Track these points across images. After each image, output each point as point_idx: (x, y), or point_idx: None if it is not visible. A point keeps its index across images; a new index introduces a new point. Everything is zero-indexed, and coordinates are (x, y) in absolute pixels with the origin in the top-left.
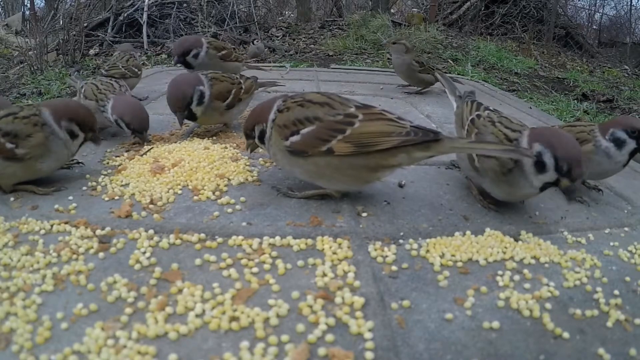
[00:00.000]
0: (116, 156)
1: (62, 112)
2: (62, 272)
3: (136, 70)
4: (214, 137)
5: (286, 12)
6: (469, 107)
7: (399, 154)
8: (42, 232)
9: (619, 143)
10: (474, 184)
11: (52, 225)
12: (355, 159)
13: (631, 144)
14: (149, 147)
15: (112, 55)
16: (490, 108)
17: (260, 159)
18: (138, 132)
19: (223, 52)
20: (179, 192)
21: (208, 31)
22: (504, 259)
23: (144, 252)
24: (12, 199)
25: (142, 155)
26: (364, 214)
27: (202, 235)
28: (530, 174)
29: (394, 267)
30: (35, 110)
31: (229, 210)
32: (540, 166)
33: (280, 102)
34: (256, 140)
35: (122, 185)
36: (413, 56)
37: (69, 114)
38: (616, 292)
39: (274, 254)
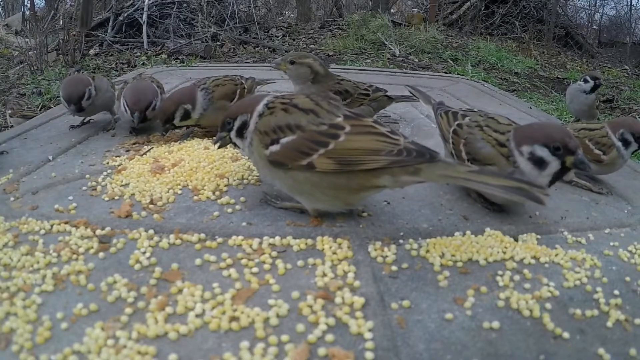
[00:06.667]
0: (116, 156)
1: None
2: (62, 272)
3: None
4: (214, 137)
5: (286, 12)
6: (445, 119)
7: (384, 175)
8: (42, 232)
9: (626, 143)
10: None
11: (52, 225)
12: (336, 178)
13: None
14: (149, 147)
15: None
16: (473, 110)
17: None
18: (131, 112)
19: None
20: (179, 192)
21: (208, 31)
22: (504, 259)
23: (144, 252)
24: (12, 198)
25: (142, 155)
26: (364, 214)
27: (202, 235)
28: (534, 175)
29: (394, 267)
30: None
31: (229, 210)
32: (539, 163)
33: (270, 97)
34: (232, 133)
35: (122, 185)
36: (327, 86)
37: None
38: (616, 292)
39: (274, 254)
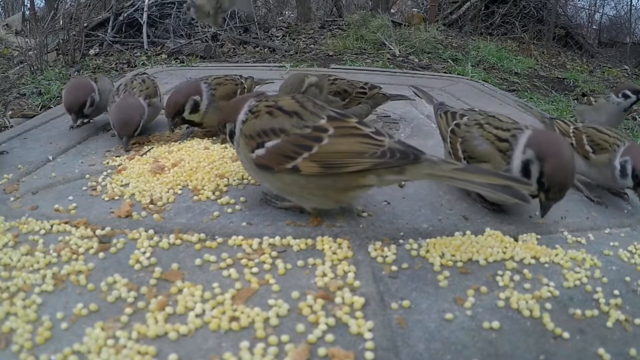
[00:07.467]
0: (116, 156)
1: None
2: (62, 272)
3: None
4: (214, 137)
5: (286, 12)
6: (444, 120)
7: (369, 175)
8: (42, 232)
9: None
10: None
11: (52, 225)
12: (322, 179)
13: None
14: (149, 147)
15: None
16: (474, 110)
17: None
18: (119, 136)
19: None
20: (179, 192)
21: (208, 31)
22: (504, 259)
23: (144, 252)
24: (12, 198)
25: (142, 155)
26: (364, 214)
27: (202, 235)
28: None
29: (394, 267)
30: None
31: (229, 210)
32: (525, 173)
33: (252, 101)
34: (227, 137)
35: (122, 185)
36: (327, 89)
37: None
38: (616, 292)
39: (274, 254)
